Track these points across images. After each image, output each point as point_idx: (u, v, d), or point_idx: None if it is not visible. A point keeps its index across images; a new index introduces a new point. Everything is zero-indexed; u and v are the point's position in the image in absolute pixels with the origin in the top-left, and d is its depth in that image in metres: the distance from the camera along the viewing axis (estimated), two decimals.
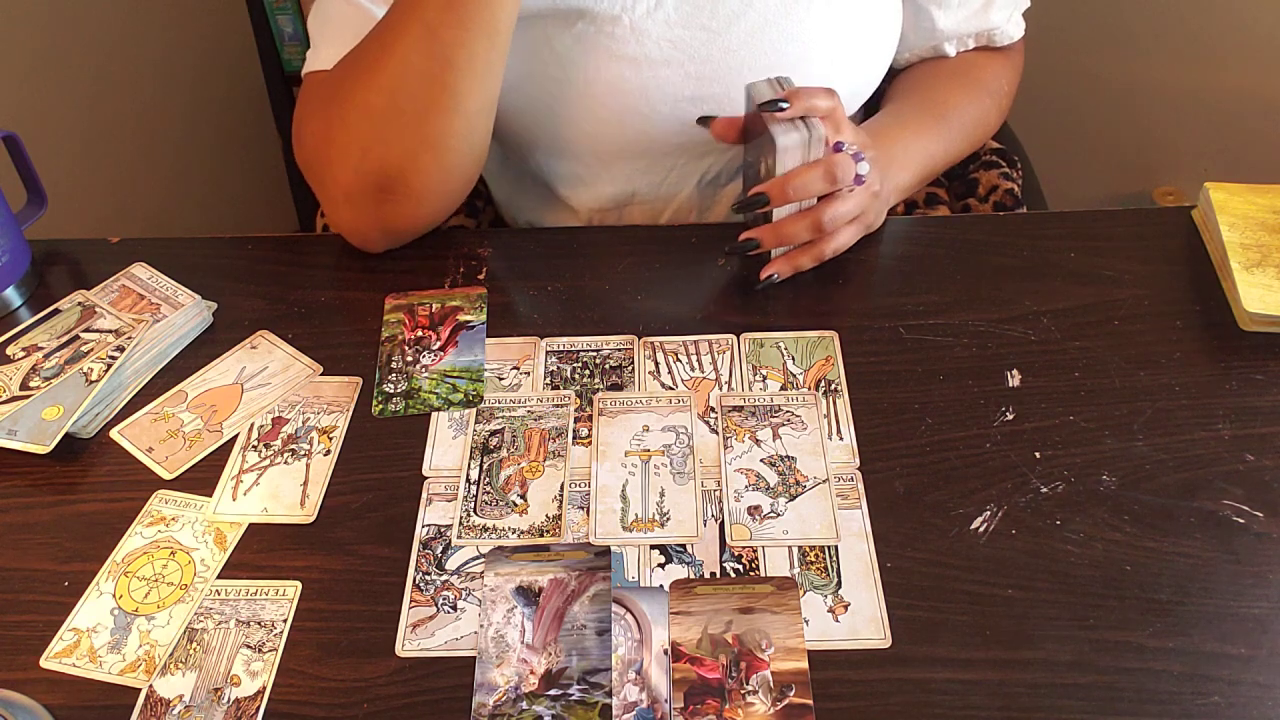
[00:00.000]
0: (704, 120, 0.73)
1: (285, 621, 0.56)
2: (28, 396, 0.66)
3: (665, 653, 0.54)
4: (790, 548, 0.59)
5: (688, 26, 0.73)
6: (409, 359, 0.70)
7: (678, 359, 0.69)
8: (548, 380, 0.68)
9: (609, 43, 0.73)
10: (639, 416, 0.66)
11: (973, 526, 0.59)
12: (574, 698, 0.53)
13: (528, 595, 0.57)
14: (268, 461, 0.64)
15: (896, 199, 0.78)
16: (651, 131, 0.77)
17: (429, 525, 0.61)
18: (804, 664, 0.53)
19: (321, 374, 0.69)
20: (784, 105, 0.66)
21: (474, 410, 0.66)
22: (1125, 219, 0.77)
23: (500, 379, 0.68)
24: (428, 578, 0.58)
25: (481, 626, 0.56)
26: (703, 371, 0.68)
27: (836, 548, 0.58)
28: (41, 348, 0.69)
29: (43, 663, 0.56)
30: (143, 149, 1.47)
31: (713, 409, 0.66)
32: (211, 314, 0.73)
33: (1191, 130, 1.44)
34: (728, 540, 0.59)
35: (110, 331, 0.70)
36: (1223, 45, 1.35)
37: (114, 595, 0.58)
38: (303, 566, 0.59)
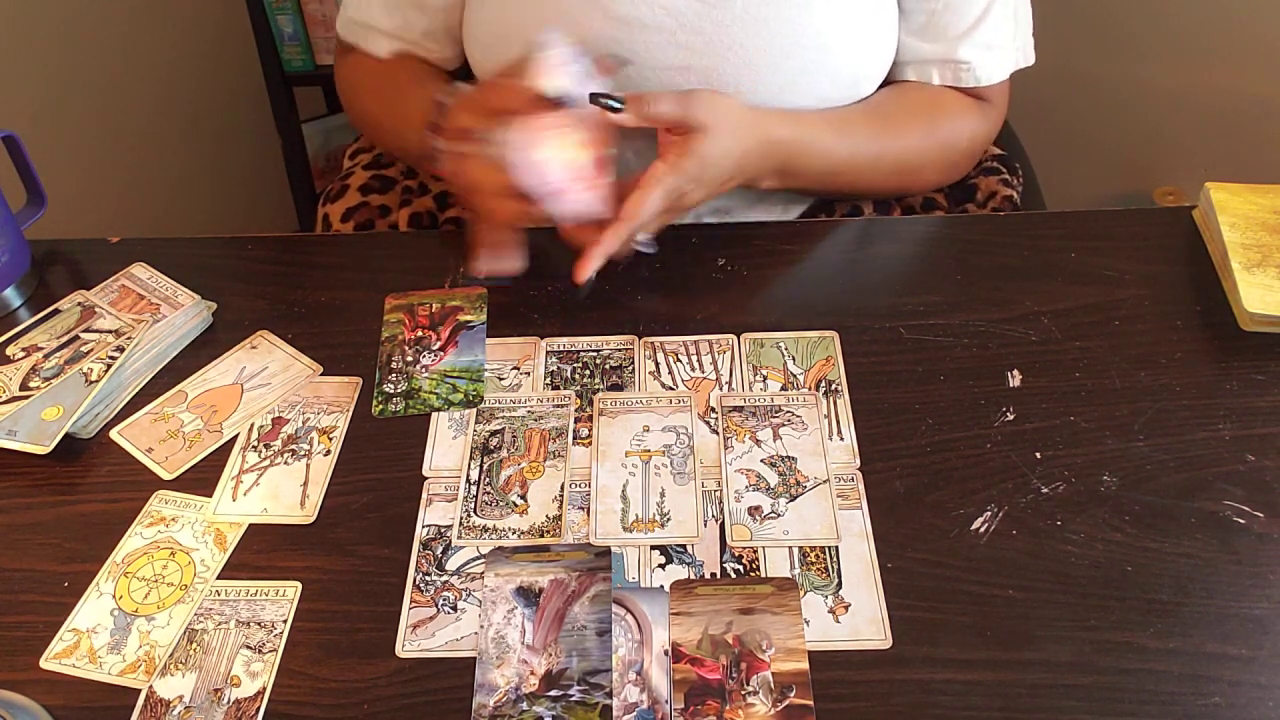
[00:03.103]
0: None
1: (285, 622, 0.56)
2: (28, 397, 0.66)
3: (666, 653, 0.54)
4: (791, 548, 0.59)
5: None
6: (409, 359, 0.70)
7: (678, 359, 0.69)
8: (548, 380, 0.68)
9: (604, 1, 0.73)
10: (639, 417, 0.65)
11: (973, 527, 0.59)
12: (574, 698, 0.53)
13: (528, 596, 0.57)
14: (268, 462, 0.64)
15: (770, 180, 0.74)
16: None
17: (429, 526, 0.61)
18: (804, 665, 0.53)
19: (321, 374, 0.69)
20: (617, 106, 0.65)
21: (474, 410, 0.66)
22: (1126, 219, 0.77)
23: (500, 379, 0.68)
24: (428, 578, 0.58)
25: (482, 627, 0.56)
26: (703, 371, 0.68)
27: (837, 548, 0.58)
28: (41, 348, 0.69)
29: (42, 663, 0.56)
30: (143, 149, 1.47)
31: (713, 409, 0.66)
32: (211, 314, 0.73)
33: (1192, 130, 1.44)
34: (728, 541, 0.59)
35: (110, 331, 0.70)
36: (1224, 45, 1.35)
37: (114, 596, 0.58)
38: (303, 567, 0.59)
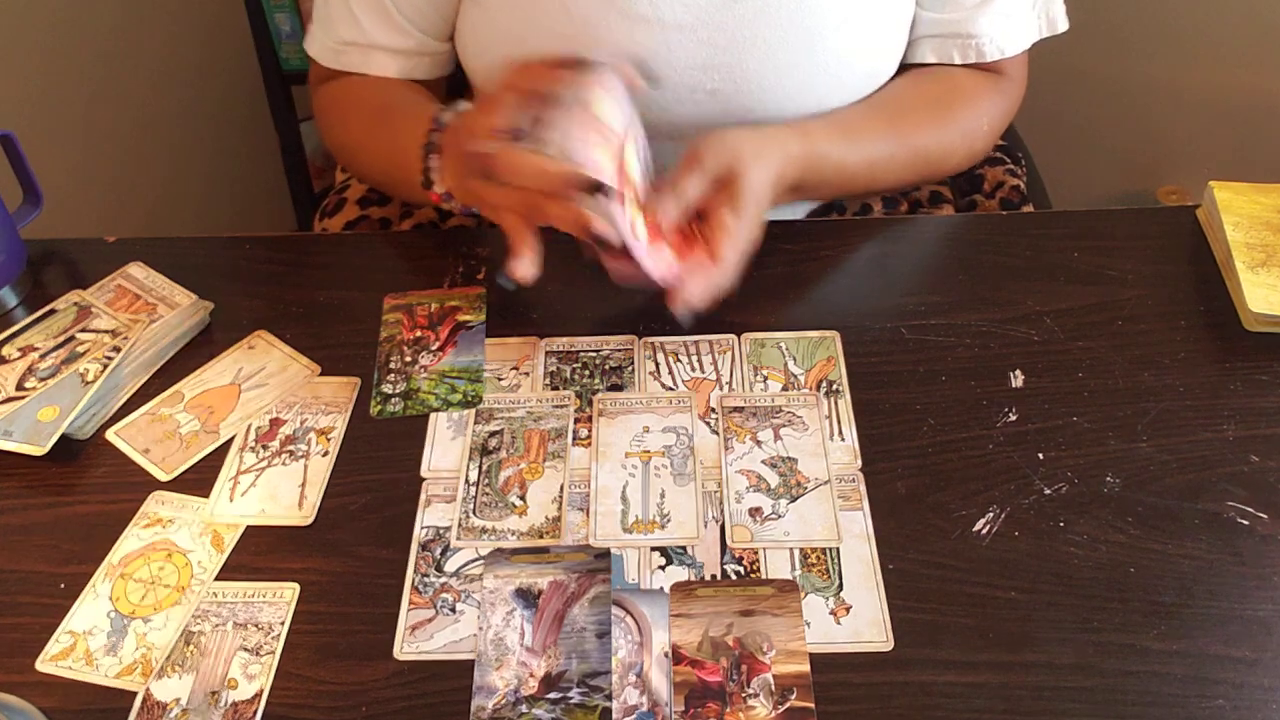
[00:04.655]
0: None
1: (283, 624, 0.56)
2: (24, 397, 0.65)
3: (666, 655, 0.54)
4: (791, 549, 0.58)
5: None
6: (408, 359, 0.69)
7: (678, 359, 0.68)
8: (547, 381, 0.68)
9: (623, 2, 0.72)
10: (639, 417, 0.65)
11: (975, 528, 0.58)
12: (574, 701, 0.52)
13: (527, 598, 0.56)
14: (265, 463, 0.64)
15: (784, 197, 0.72)
16: (661, 100, 0.75)
17: (428, 527, 0.60)
18: (805, 667, 0.53)
19: (319, 374, 0.69)
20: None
21: (473, 411, 0.66)
22: (1129, 218, 0.77)
23: (499, 379, 0.68)
24: (426, 580, 0.58)
25: (480, 629, 0.55)
26: (703, 372, 0.68)
27: (838, 549, 0.58)
28: (37, 348, 0.69)
29: (38, 665, 0.55)
30: (140, 148, 1.47)
31: (713, 410, 0.65)
32: (208, 314, 0.73)
33: (1196, 129, 1.43)
34: (728, 542, 0.59)
35: (107, 332, 0.70)
36: (1228, 44, 1.35)
37: (110, 597, 0.58)
38: (300, 569, 0.59)
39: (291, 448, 0.65)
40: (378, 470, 0.63)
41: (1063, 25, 0.80)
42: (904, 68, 0.81)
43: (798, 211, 0.87)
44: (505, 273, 0.64)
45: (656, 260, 0.64)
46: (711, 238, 0.66)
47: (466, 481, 0.62)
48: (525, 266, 0.64)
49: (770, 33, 0.72)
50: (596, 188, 0.60)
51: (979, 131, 0.81)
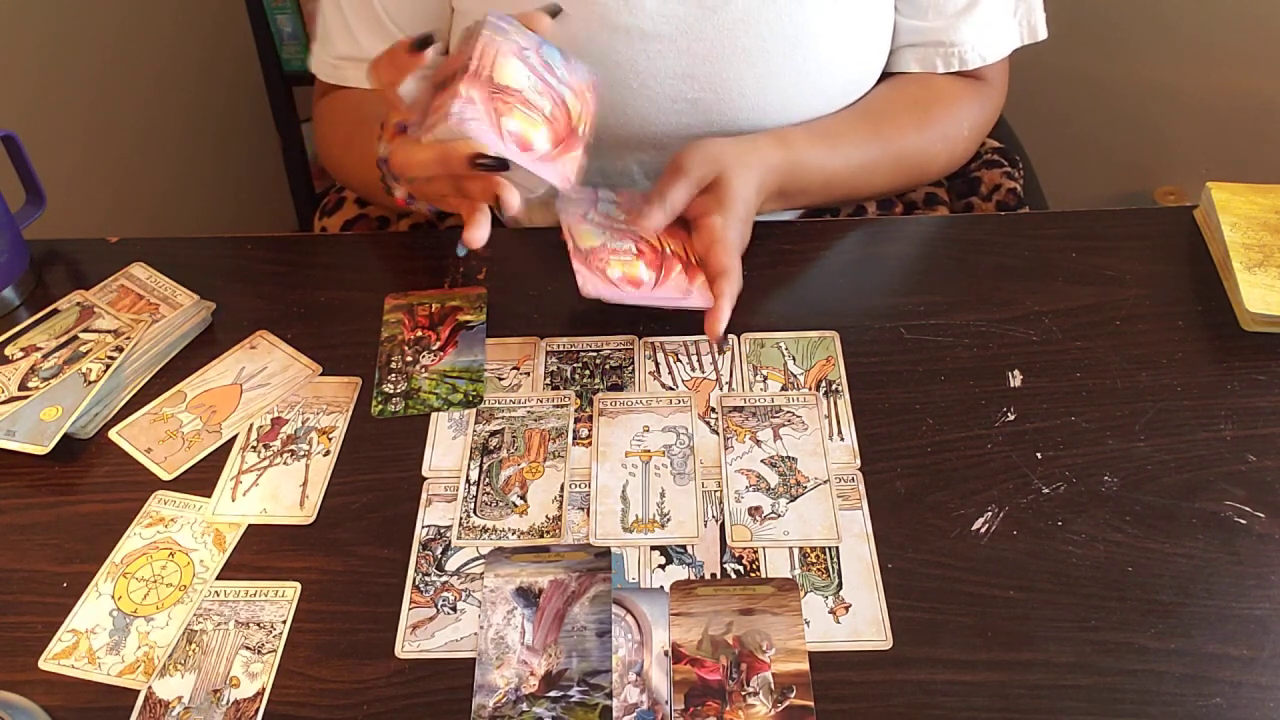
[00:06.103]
0: None
1: (284, 623, 0.56)
2: (26, 397, 0.66)
3: (666, 654, 0.54)
4: (791, 549, 0.58)
5: (683, 2, 0.72)
6: (408, 359, 0.69)
7: (678, 359, 0.69)
8: (548, 381, 0.68)
9: (602, 11, 0.72)
10: (639, 417, 0.65)
11: (974, 527, 0.59)
12: (574, 699, 0.53)
13: (528, 596, 0.57)
14: (267, 462, 0.64)
15: (769, 205, 0.74)
16: (642, 109, 0.75)
17: (429, 526, 0.60)
18: (805, 665, 0.53)
19: (321, 374, 0.69)
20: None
21: (474, 411, 0.66)
22: (1127, 219, 0.77)
23: (500, 379, 0.68)
24: (427, 579, 0.58)
25: (481, 628, 0.56)
26: (703, 372, 0.68)
27: (837, 548, 0.58)
28: (40, 348, 0.69)
29: (41, 664, 0.56)
30: (142, 149, 1.47)
31: (713, 409, 0.66)
32: (210, 314, 0.73)
33: (1193, 130, 1.44)
34: (728, 541, 0.59)
35: (109, 332, 0.70)
36: (1225, 45, 1.35)
37: (113, 596, 0.58)
38: (302, 568, 0.59)
39: (293, 447, 0.65)
40: (379, 470, 0.63)
41: (1043, 33, 0.81)
42: (885, 76, 0.81)
43: (787, 217, 0.87)
44: (461, 241, 0.63)
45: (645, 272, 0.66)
46: (707, 251, 0.67)
47: (467, 481, 0.63)
48: (477, 233, 0.62)
49: (751, 42, 0.73)
50: (496, 162, 0.58)
51: (959, 137, 0.82)
